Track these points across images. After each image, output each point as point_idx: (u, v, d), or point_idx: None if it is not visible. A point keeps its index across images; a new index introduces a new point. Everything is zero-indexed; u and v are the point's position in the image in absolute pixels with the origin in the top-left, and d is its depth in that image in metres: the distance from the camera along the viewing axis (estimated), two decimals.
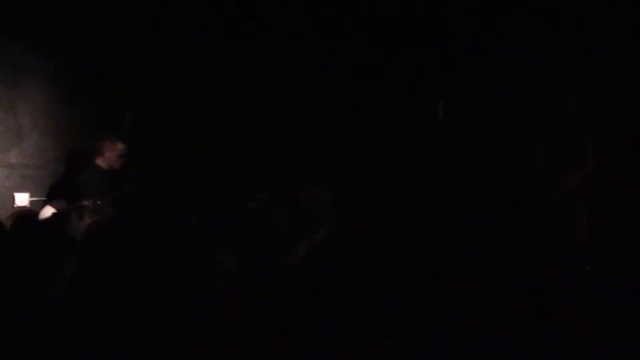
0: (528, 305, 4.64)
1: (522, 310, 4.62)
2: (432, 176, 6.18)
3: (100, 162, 5.81)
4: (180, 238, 2.83)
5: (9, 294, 3.74)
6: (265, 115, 6.65)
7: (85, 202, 4.56)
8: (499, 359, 3.76)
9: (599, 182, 5.46)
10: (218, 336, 2.93)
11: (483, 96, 6.16)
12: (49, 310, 3.32)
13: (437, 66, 6.32)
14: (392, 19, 6.43)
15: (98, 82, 6.33)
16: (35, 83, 6.19)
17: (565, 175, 5.40)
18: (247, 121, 6.62)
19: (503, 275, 4.93)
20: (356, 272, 3.59)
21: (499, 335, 4.15)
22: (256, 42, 6.60)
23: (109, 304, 2.57)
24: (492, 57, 6.09)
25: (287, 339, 2.93)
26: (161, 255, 2.64)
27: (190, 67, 6.55)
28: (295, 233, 4.12)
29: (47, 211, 5.02)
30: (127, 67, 6.39)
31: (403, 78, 6.43)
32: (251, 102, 6.63)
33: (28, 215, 4.99)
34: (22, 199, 5.99)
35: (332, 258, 3.48)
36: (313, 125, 6.58)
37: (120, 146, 5.83)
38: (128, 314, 2.58)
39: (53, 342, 2.98)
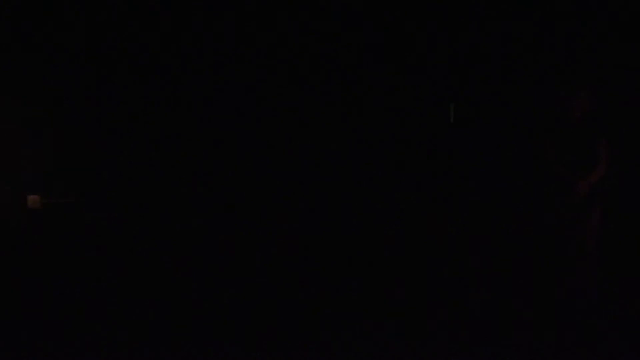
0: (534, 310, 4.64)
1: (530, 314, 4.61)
2: (442, 178, 6.16)
3: None
4: None
5: (23, 290, 3.79)
6: (270, 117, 6.61)
7: None
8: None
9: (611, 185, 5.43)
10: None
11: (493, 98, 6.14)
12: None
13: (448, 68, 6.31)
14: (402, 20, 6.43)
15: (111, 82, 6.34)
16: (47, 84, 6.22)
17: (577, 178, 5.37)
18: (256, 120, 6.60)
19: (509, 278, 4.92)
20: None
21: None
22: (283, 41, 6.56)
23: None
24: (502, 59, 6.07)
25: None
26: None
27: (209, 65, 6.53)
28: None
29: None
30: (142, 68, 6.40)
31: (414, 80, 6.42)
32: (260, 101, 6.59)
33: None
34: (34, 201, 6.03)
35: None
36: (316, 127, 6.56)
37: None
38: None
39: None
